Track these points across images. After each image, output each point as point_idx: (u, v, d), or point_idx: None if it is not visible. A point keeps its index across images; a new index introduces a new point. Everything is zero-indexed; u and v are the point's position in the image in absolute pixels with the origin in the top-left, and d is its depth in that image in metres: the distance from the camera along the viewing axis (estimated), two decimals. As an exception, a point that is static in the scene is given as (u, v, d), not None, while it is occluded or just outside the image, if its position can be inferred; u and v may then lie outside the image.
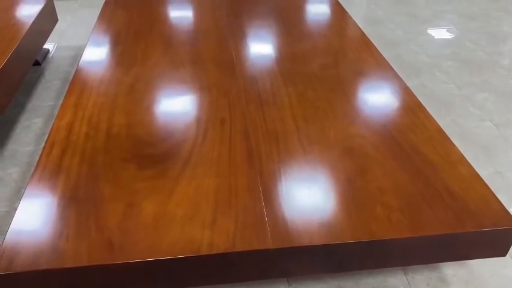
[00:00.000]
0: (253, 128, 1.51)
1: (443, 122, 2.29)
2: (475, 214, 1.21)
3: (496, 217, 1.21)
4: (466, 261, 1.56)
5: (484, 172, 1.97)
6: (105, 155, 1.38)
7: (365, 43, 2.11)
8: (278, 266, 1.16)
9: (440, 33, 3.32)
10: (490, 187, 1.70)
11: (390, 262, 1.23)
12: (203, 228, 1.14)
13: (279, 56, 1.99)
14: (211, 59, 1.95)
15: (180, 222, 1.16)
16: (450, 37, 3.26)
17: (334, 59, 1.97)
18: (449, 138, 1.48)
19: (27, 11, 2.40)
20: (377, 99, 1.69)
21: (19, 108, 2.37)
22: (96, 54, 1.99)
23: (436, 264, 1.55)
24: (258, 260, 1.13)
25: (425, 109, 1.62)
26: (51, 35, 3.11)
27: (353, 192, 1.26)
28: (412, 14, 3.64)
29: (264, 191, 1.26)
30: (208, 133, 1.48)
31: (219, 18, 2.37)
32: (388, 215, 1.20)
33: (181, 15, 2.42)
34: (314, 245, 1.11)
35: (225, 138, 1.46)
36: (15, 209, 1.69)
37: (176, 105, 1.63)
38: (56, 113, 2.30)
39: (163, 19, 2.35)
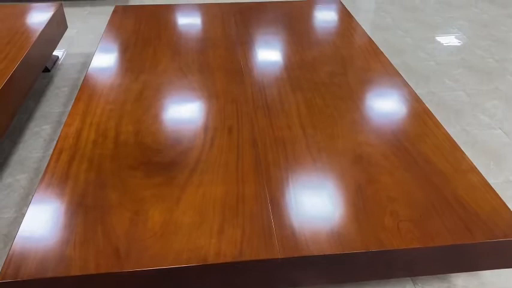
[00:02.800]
0: (261, 135, 1.50)
1: (452, 130, 2.27)
2: (485, 224, 1.20)
3: (508, 227, 1.19)
4: (477, 271, 1.54)
5: (495, 181, 1.95)
6: (112, 162, 1.38)
7: (373, 50, 2.10)
8: (285, 276, 1.15)
9: (450, 40, 3.30)
10: (501, 196, 1.68)
11: (399, 272, 1.21)
12: (210, 236, 1.14)
13: (287, 63, 1.99)
14: (220, 66, 1.95)
15: (187, 231, 1.15)
16: (459, 44, 3.24)
17: (343, 66, 1.96)
18: (459, 147, 1.46)
19: (38, 18, 2.42)
20: (386, 107, 1.68)
21: (28, 114, 2.39)
22: (105, 61, 2.00)
23: (446, 274, 1.53)
24: (265, 270, 1.12)
25: (435, 117, 1.61)
26: (60, 42, 3.15)
27: (362, 201, 1.25)
28: (421, 21, 3.62)
29: (271, 200, 1.25)
30: (215, 141, 1.48)
31: (227, 27, 2.38)
32: (397, 224, 1.18)
33: (189, 23, 2.43)
34: (322, 255, 1.10)
35: (233, 146, 1.45)
36: (23, 215, 1.70)
37: (184, 113, 1.63)
38: (65, 119, 2.31)
39: (171, 27, 2.36)
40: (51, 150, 2.12)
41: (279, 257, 1.09)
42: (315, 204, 1.24)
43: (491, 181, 1.94)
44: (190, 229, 1.16)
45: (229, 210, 1.22)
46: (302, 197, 1.26)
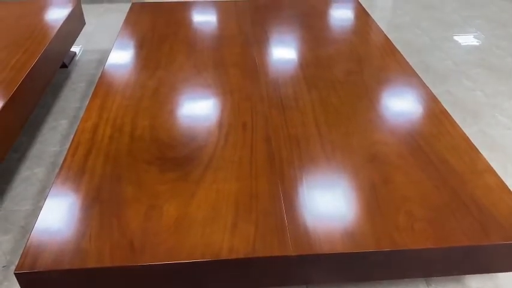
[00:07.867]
0: (275, 132, 1.51)
1: (469, 131, 2.24)
2: (501, 225, 1.18)
3: (525, 229, 1.17)
4: (492, 273, 1.52)
5: (512, 182, 1.92)
6: (128, 157, 1.40)
7: (390, 49, 2.09)
8: (298, 273, 1.15)
9: (468, 39, 3.25)
10: (518, 198, 1.64)
11: (413, 272, 1.20)
12: (224, 232, 1.14)
13: (302, 61, 1.98)
14: (235, 63, 1.96)
15: (201, 226, 1.16)
16: (477, 43, 3.19)
17: (358, 64, 1.95)
18: (475, 147, 1.44)
19: (56, 15, 2.46)
20: (402, 106, 1.66)
21: (46, 109, 2.42)
22: (121, 57, 2.02)
23: (460, 275, 1.51)
24: (278, 267, 1.12)
25: (451, 117, 1.59)
26: (77, 38, 3.18)
27: (376, 200, 1.24)
28: (439, 20, 3.58)
29: (284, 197, 1.25)
30: (230, 137, 1.48)
31: (242, 24, 2.38)
32: (411, 224, 1.17)
33: (205, 20, 2.44)
34: (335, 253, 1.10)
35: (247, 143, 1.46)
36: (40, 208, 1.73)
37: (199, 109, 1.64)
38: (81, 115, 2.34)
39: (187, 24, 2.37)
40: (68, 144, 2.15)
41: (292, 254, 1.09)
42: (329, 202, 1.24)
43: (509, 182, 1.91)
44: (204, 224, 1.17)
45: (242, 206, 1.22)
46: (315, 195, 1.26)
